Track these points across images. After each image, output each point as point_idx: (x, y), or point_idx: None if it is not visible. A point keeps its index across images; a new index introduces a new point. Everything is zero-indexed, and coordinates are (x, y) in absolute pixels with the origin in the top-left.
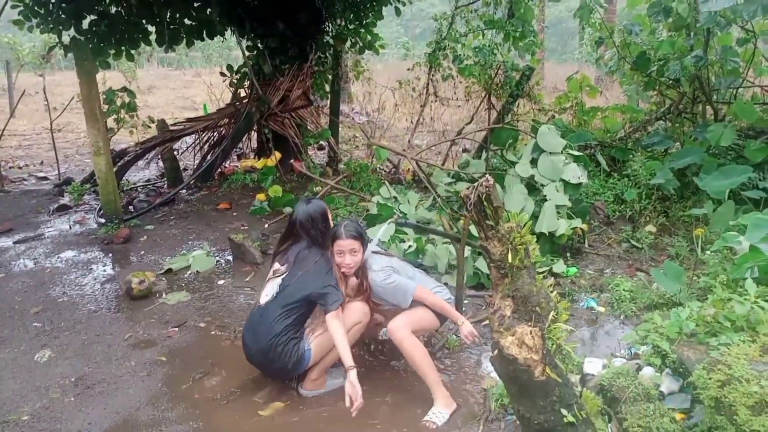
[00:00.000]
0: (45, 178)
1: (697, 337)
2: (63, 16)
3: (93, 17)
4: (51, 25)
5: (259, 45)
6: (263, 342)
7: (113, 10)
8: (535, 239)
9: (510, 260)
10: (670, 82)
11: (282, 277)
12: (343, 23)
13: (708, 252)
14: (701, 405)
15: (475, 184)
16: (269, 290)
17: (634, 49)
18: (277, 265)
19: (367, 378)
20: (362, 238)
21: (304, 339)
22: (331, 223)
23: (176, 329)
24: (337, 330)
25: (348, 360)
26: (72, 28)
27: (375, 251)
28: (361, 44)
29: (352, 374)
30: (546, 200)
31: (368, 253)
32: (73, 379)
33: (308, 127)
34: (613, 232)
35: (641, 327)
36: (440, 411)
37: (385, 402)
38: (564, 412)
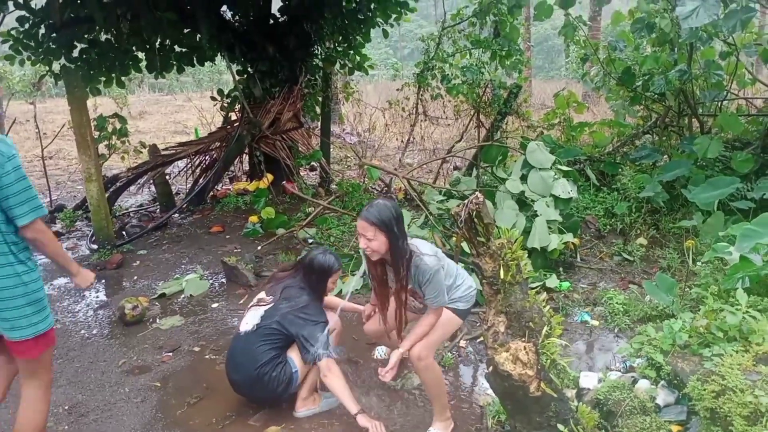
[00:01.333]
0: None
1: (691, 349)
2: (53, 46)
3: (83, 45)
4: (42, 56)
5: (249, 69)
6: (250, 372)
7: (103, 38)
8: (527, 255)
9: (502, 276)
10: (656, 96)
11: (265, 308)
12: (332, 46)
13: (699, 263)
14: (697, 416)
15: (465, 201)
16: (250, 319)
17: (619, 64)
18: (263, 294)
19: (364, 396)
20: (380, 226)
21: (289, 360)
22: (329, 285)
23: (170, 354)
24: (332, 383)
25: (352, 408)
26: (63, 57)
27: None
28: (350, 65)
29: (361, 419)
30: (537, 216)
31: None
32: (66, 408)
33: (299, 149)
34: (604, 246)
35: (635, 339)
36: (438, 431)
37: (381, 420)
38: (560, 427)
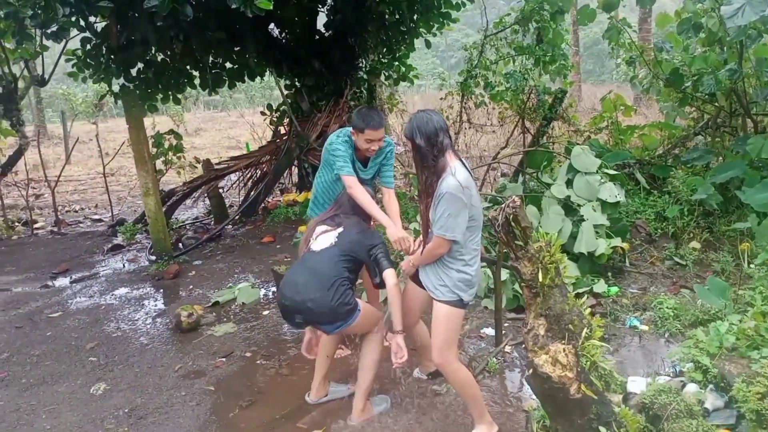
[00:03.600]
0: (99, 220)
1: (739, 351)
2: (113, 66)
3: (141, 65)
4: (102, 75)
5: (296, 83)
6: (326, 279)
7: (159, 58)
8: (575, 259)
9: (541, 279)
10: (706, 97)
11: (337, 232)
12: (377, 58)
13: (754, 266)
14: (745, 420)
15: (502, 205)
16: (324, 242)
17: (667, 66)
18: (324, 227)
19: (410, 402)
20: (407, 134)
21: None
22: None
23: (223, 359)
24: (394, 294)
25: (398, 324)
26: (122, 77)
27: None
28: (395, 76)
29: (400, 338)
30: (584, 220)
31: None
32: (126, 410)
33: None
34: (655, 250)
35: (685, 344)
36: None
37: (426, 426)
38: (602, 429)
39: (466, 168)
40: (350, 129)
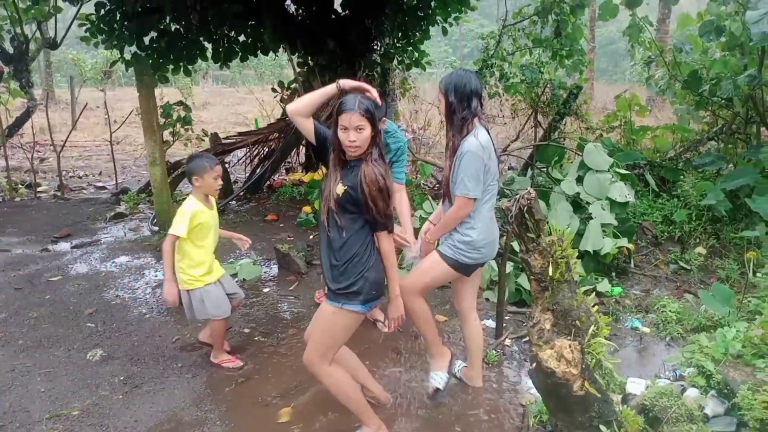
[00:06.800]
0: (103, 188)
1: (744, 359)
2: (126, 33)
3: (154, 34)
4: (115, 41)
5: (309, 62)
6: None
7: (173, 28)
8: (580, 257)
9: (551, 273)
10: (723, 101)
11: None
12: (392, 42)
13: (759, 275)
14: (746, 428)
15: (517, 196)
16: None
17: (685, 68)
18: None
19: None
20: (441, 90)
21: None
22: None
23: None
24: None
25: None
26: (134, 45)
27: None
28: (408, 61)
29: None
30: (591, 218)
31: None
32: (122, 378)
33: None
34: (661, 253)
35: (687, 348)
36: (436, 374)
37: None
38: (603, 428)
39: (489, 135)
40: None
